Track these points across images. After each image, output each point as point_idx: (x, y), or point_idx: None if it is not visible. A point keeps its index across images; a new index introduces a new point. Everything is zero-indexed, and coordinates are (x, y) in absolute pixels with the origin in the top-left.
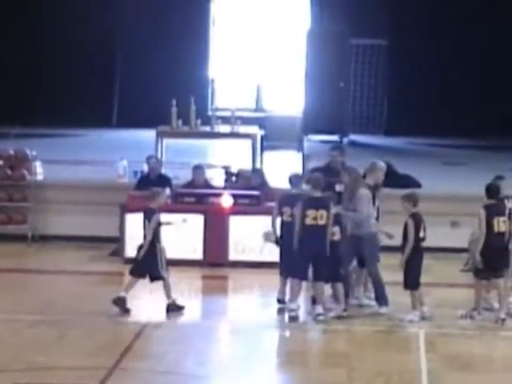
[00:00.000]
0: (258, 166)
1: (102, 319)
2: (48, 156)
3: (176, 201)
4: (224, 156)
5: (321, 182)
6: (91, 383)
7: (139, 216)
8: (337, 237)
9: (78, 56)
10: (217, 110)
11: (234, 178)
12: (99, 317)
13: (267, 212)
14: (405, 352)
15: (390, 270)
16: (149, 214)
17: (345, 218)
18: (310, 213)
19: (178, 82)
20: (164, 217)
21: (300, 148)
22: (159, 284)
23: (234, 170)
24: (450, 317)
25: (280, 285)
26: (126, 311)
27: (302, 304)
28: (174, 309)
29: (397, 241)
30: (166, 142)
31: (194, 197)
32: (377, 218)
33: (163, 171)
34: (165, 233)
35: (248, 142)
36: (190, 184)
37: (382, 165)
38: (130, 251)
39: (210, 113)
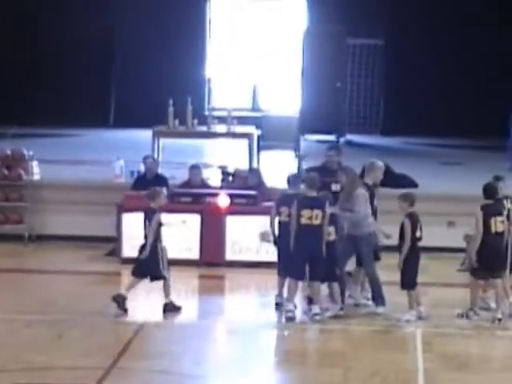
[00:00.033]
0: (254, 165)
1: (99, 319)
2: (45, 156)
3: (173, 201)
4: (221, 156)
5: (316, 181)
6: (89, 383)
7: (136, 216)
8: (332, 237)
9: (76, 56)
10: (213, 109)
11: (230, 178)
12: (97, 317)
13: (264, 212)
14: (401, 352)
15: (387, 269)
16: (149, 215)
17: (342, 218)
18: (305, 212)
19: (174, 82)
20: (163, 217)
21: (297, 148)
22: (156, 284)
23: (230, 169)
24: (446, 316)
25: (278, 286)
26: (124, 310)
27: (298, 304)
28: (171, 309)
29: (394, 240)
30: (163, 141)
31: (191, 197)
32: (375, 218)
33: (160, 171)
34: (163, 233)
35: (245, 142)
36: (187, 184)
37: (381, 164)
38: (127, 251)
39: (206, 112)
